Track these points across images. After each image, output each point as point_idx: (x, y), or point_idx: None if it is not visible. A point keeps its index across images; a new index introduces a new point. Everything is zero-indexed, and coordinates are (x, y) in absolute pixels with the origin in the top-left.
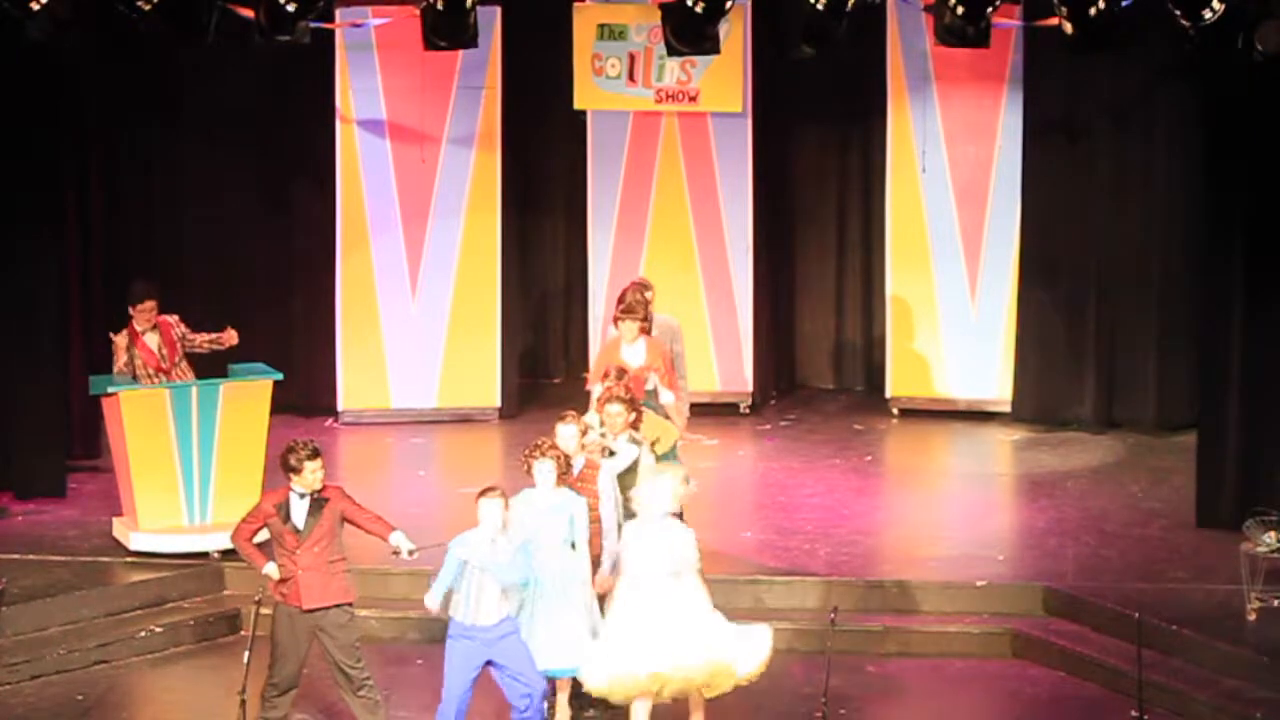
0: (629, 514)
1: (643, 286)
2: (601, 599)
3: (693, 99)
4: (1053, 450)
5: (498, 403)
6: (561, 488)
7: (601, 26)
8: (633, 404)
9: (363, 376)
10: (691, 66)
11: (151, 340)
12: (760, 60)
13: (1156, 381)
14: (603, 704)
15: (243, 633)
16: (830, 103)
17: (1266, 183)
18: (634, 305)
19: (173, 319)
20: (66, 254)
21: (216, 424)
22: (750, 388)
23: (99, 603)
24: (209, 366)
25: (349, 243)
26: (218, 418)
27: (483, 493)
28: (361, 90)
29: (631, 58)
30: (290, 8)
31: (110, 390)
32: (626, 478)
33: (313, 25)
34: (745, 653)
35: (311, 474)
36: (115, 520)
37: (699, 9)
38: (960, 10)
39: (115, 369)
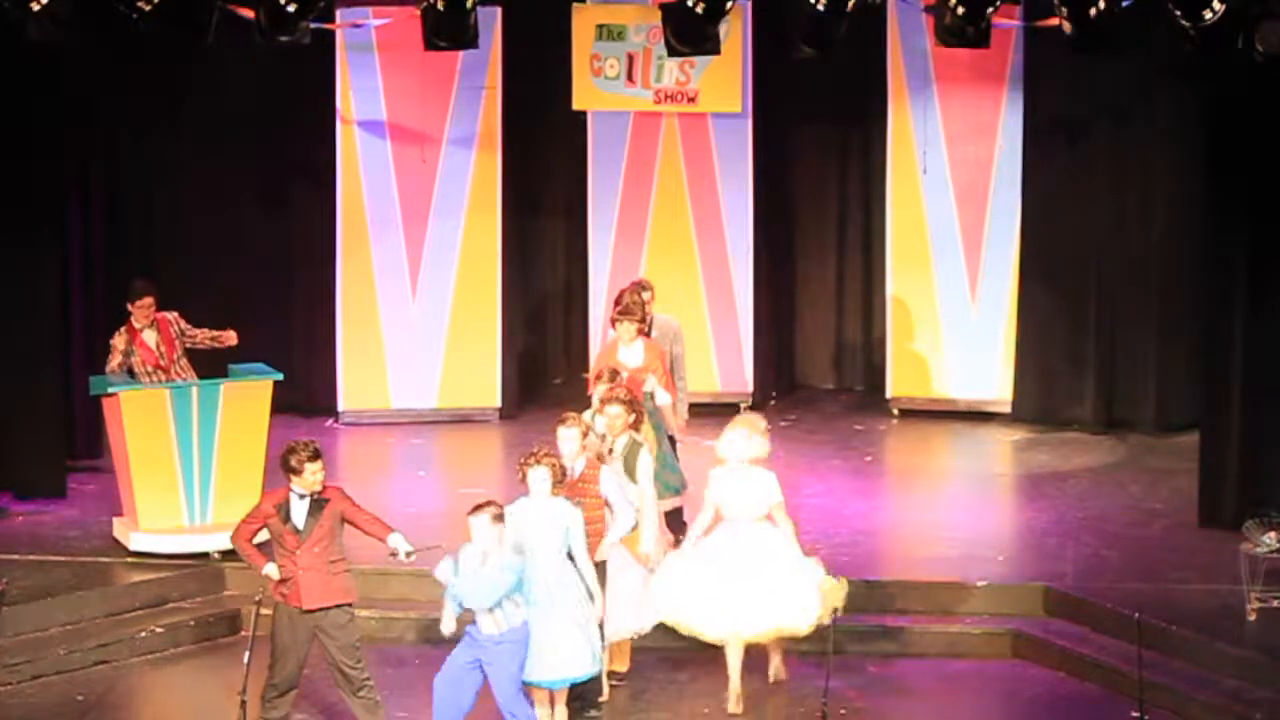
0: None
1: (641, 287)
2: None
3: (691, 99)
4: (1053, 450)
5: (498, 403)
6: (557, 497)
7: (600, 27)
8: (633, 405)
9: (363, 377)
10: (690, 67)
11: (150, 338)
12: (760, 61)
13: (1156, 381)
14: (604, 705)
15: (243, 633)
16: (830, 103)
17: (1267, 182)
18: (631, 307)
19: (171, 316)
20: (67, 254)
21: (217, 424)
22: (750, 388)
23: (99, 603)
24: (209, 367)
25: (349, 243)
26: (218, 418)
27: (473, 510)
28: (362, 90)
29: (630, 58)
30: (290, 8)
31: (110, 390)
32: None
33: (313, 25)
34: (815, 603)
35: (312, 475)
36: (116, 520)
37: (699, 9)
38: (960, 10)
39: (107, 368)
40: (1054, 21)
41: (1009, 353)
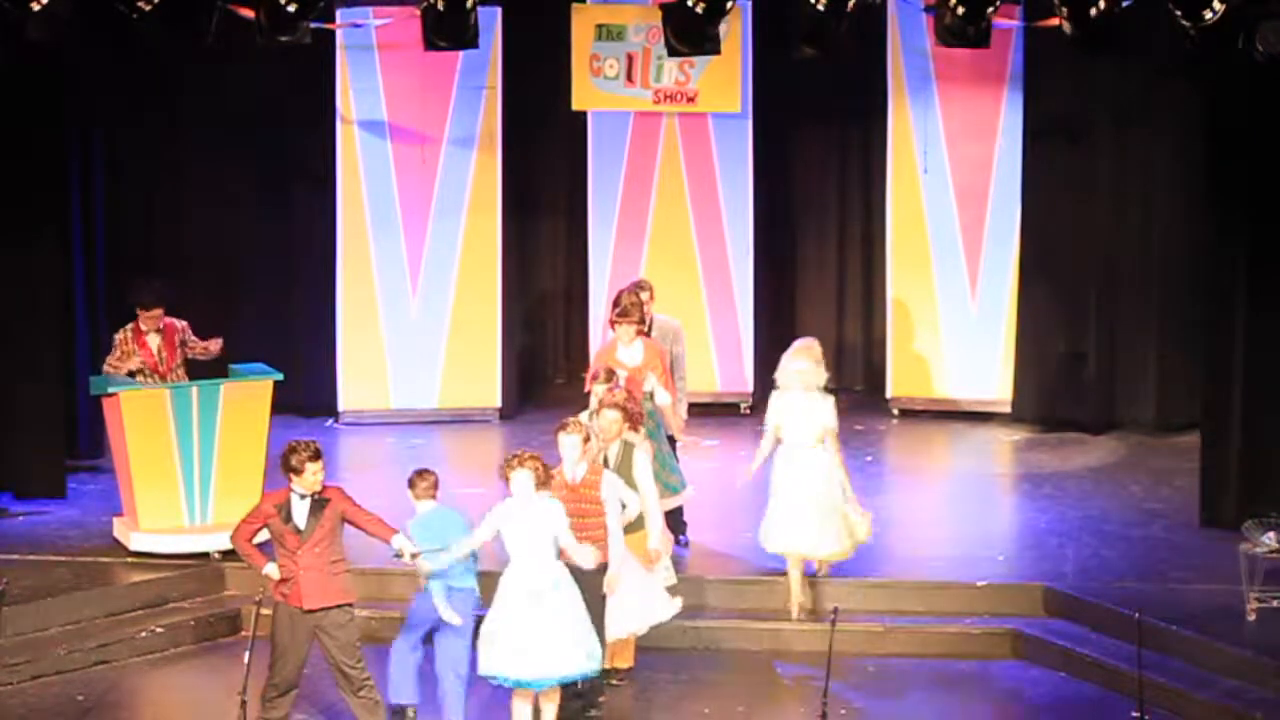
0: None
1: (639, 287)
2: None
3: (691, 99)
4: (1053, 450)
5: (498, 403)
6: (540, 492)
7: (599, 27)
8: (629, 412)
9: (363, 377)
10: (690, 67)
11: (153, 341)
12: (760, 61)
13: (1156, 381)
14: (604, 704)
15: (243, 633)
16: (830, 103)
17: (1267, 182)
18: (629, 309)
19: (180, 324)
20: (67, 254)
21: (217, 424)
22: (750, 388)
23: (99, 603)
24: (209, 367)
25: (349, 243)
26: (218, 418)
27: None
28: (362, 90)
29: (630, 58)
30: (290, 8)
31: (110, 390)
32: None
33: (313, 25)
34: (855, 530)
35: (313, 475)
36: (116, 520)
37: (700, 9)
38: (961, 10)
39: (105, 364)
40: (1054, 21)
41: (1009, 353)
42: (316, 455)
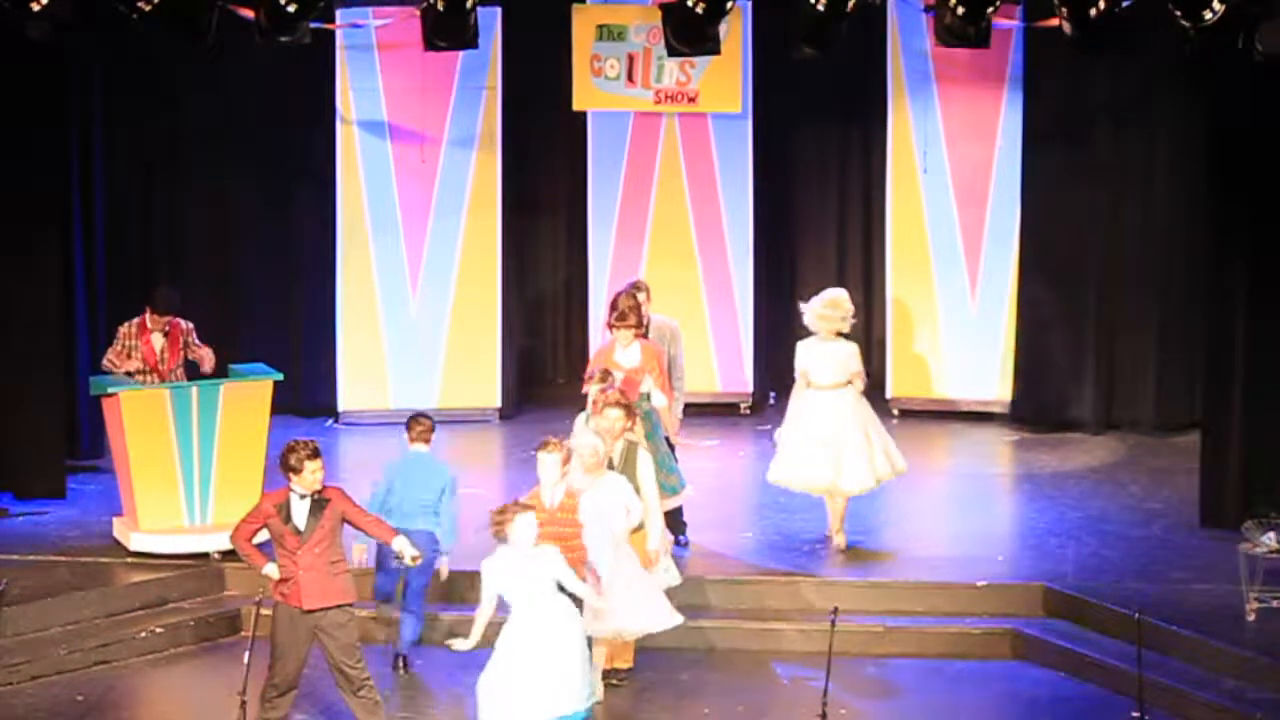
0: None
1: (636, 289)
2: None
3: (692, 100)
4: (1053, 450)
5: (498, 403)
6: (540, 546)
7: (600, 27)
8: (630, 409)
9: (363, 377)
10: (691, 67)
11: (157, 341)
12: (760, 61)
13: (1156, 381)
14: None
15: (243, 633)
16: (830, 103)
17: (1267, 182)
18: (626, 313)
19: (186, 325)
20: (68, 254)
21: (217, 424)
22: (750, 388)
23: (99, 603)
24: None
25: (349, 243)
26: (218, 418)
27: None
28: (362, 90)
29: (630, 58)
30: (290, 8)
31: (110, 390)
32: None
33: (313, 26)
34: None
35: (312, 474)
36: (115, 520)
37: (699, 9)
38: (960, 11)
39: (105, 358)
40: (1054, 22)
41: (1009, 353)
42: (315, 454)
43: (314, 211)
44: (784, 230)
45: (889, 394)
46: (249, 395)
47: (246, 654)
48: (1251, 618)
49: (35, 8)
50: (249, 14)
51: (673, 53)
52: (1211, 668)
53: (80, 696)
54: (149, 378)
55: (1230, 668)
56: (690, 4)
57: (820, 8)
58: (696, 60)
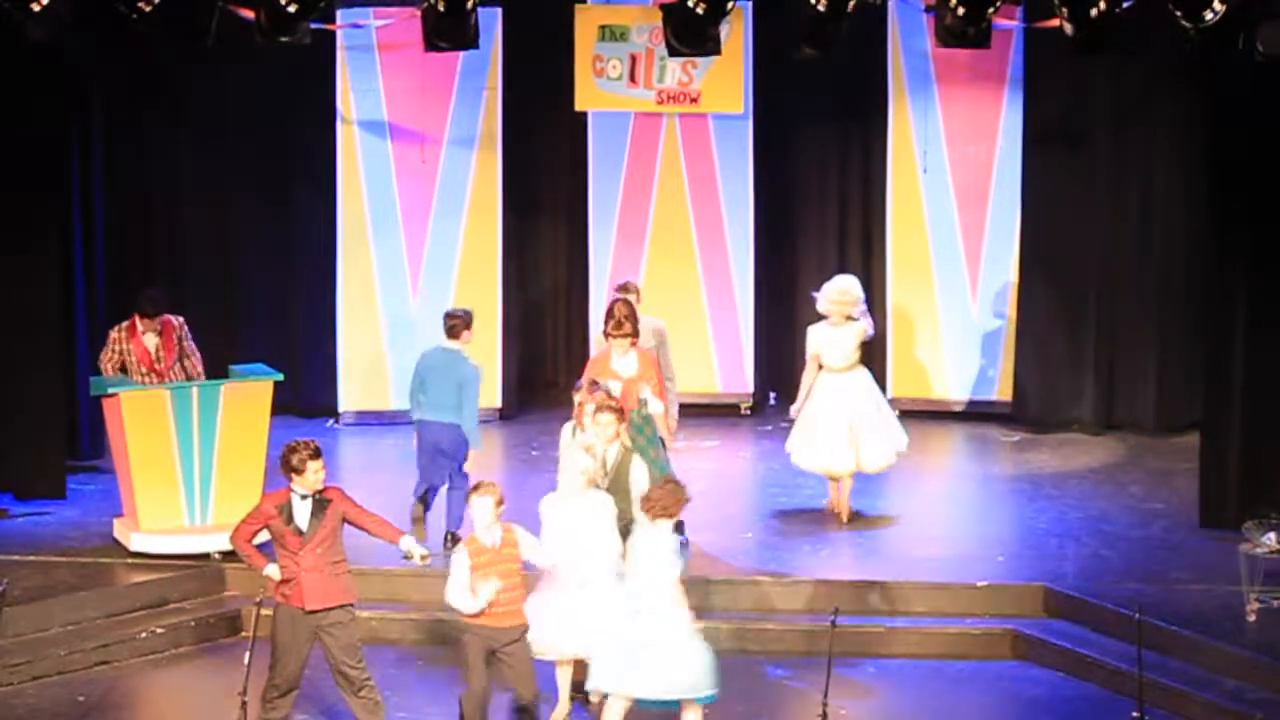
0: (626, 526)
1: (625, 290)
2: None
3: (694, 100)
4: (1053, 450)
5: (498, 403)
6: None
7: (603, 28)
8: (621, 413)
9: (363, 377)
10: (693, 68)
11: (150, 341)
12: (761, 61)
13: (1156, 382)
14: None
15: (243, 634)
16: (831, 104)
17: (1267, 183)
18: (623, 320)
19: (177, 321)
20: (68, 254)
21: (217, 424)
22: (750, 388)
23: (100, 604)
24: (209, 367)
25: (349, 243)
26: (218, 418)
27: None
28: (362, 91)
29: (633, 59)
30: (291, 8)
31: (111, 391)
32: (618, 482)
33: (313, 26)
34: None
35: (314, 474)
36: (116, 521)
37: (700, 10)
38: (961, 11)
39: (100, 362)
40: (1054, 22)
41: (1009, 353)
42: (317, 454)
43: (314, 211)
44: (784, 230)
45: (889, 394)
46: (249, 395)
47: (247, 654)
48: (1252, 618)
49: (35, 8)
50: (249, 14)
51: (673, 53)
52: (1212, 668)
53: (81, 697)
54: (148, 379)
55: (1230, 668)
56: (691, 4)
57: (821, 8)
58: (699, 61)
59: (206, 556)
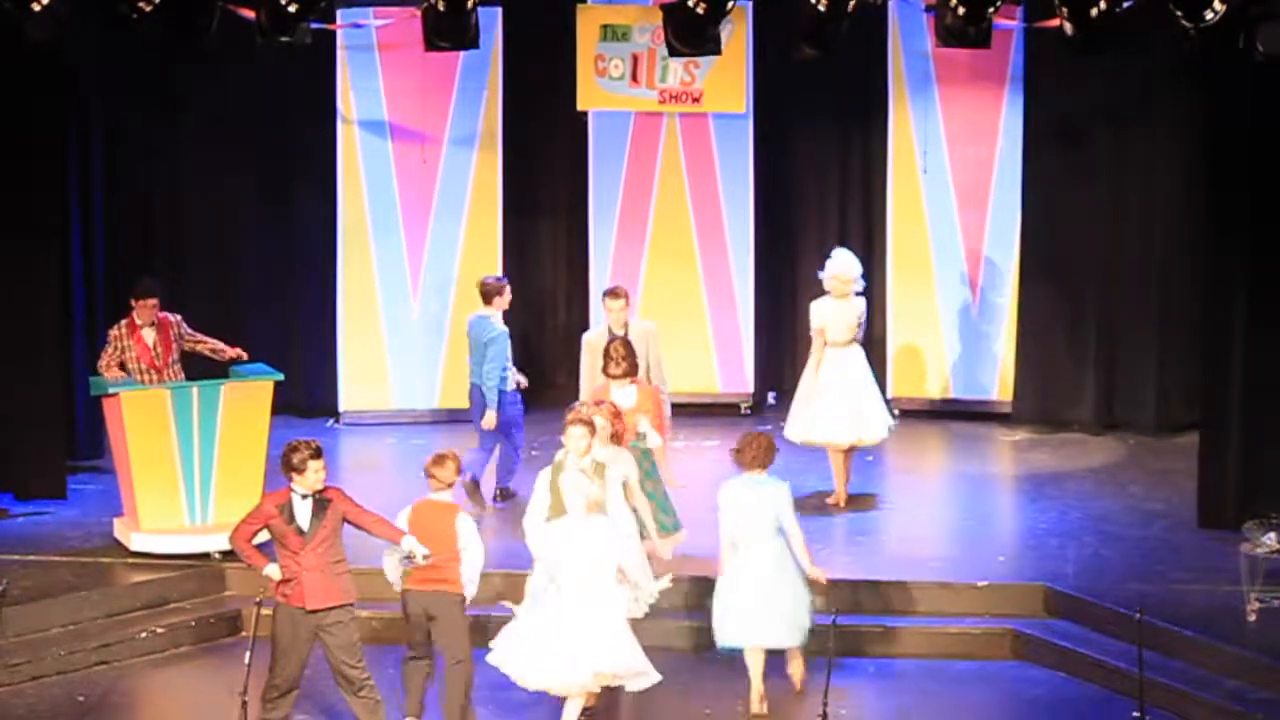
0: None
1: (614, 295)
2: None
3: (696, 100)
4: (1053, 450)
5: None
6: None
7: (605, 27)
8: (594, 425)
9: (363, 377)
10: (695, 68)
11: (148, 336)
12: (762, 61)
13: (1156, 382)
14: None
15: (244, 634)
16: (831, 104)
17: (1267, 183)
18: (619, 361)
19: (174, 318)
20: (67, 254)
21: (217, 424)
22: (750, 388)
23: (100, 603)
24: (209, 367)
25: (349, 243)
26: (219, 418)
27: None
28: (362, 91)
29: (635, 59)
30: (291, 8)
31: (111, 390)
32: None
33: (313, 26)
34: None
35: (315, 474)
36: (116, 521)
37: (700, 10)
38: (961, 11)
39: (100, 362)
40: (1055, 22)
41: (1009, 353)
42: (318, 453)
43: (314, 211)
44: (784, 230)
45: (889, 394)
46: (250, 395)
47: (247, 654)
48: (1252, 618)
49: (35, 8)
50: (249, 14)
51: (674, 53)
52: (1212, 668)
53: (81, 697)
54: (148, 377)
55: (1231, 668)
56: (691, 4)
57: (821, 8)
58: (700, 60)
59: (206, 556)
